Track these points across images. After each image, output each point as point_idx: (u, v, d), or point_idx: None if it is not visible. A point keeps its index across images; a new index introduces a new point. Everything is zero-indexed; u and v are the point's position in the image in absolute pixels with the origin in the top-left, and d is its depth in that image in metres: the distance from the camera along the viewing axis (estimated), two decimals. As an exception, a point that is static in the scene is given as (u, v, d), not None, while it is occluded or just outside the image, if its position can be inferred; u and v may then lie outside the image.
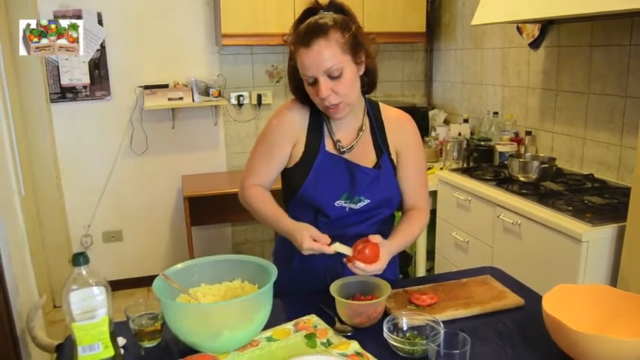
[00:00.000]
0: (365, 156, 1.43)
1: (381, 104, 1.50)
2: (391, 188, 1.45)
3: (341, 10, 1.33)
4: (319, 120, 1.44)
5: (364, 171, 1.41)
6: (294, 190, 1.43)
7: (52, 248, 3.22)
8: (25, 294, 2.40)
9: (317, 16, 1.30)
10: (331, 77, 1.28)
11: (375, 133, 1.45)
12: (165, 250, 3.68)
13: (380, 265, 1.27)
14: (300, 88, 1.38)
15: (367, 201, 1.41)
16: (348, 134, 1.44)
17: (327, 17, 1.28)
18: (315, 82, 1.30)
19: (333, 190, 1.40)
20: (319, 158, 1.40)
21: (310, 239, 1.26)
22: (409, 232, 1.44)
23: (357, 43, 1.29)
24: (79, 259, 1.04)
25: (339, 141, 1.43)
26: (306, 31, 1.27)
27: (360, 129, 1.44)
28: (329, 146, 1.43)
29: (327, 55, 1.25)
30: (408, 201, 1.49)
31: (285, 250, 1.52)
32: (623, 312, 1.15)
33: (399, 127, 1.47)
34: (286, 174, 1.47)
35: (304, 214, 1.43)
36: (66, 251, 3.37)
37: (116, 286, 3.58)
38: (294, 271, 1.49)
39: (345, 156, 1.42)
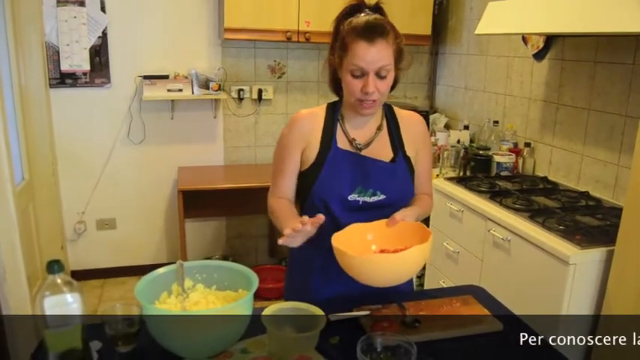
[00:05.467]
0: (381, 152, 1.48)
1: (393, 106, 1.56)
2: (406, 184, 1.49)
3: (381, 13, 1.41)
4: (332, 122, 1.48)
5: (378, 164, 1.45)
6: (308, 189, 1.46)
7: (45, 234, 3.22)
8: (13, 280, 2.41)
9: (373, 16, 1.38)
10: (379, 76, 1.35)
11: (392, 133, 1.50)
12: (158, 240, 3.69)
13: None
14: (338, 82, 1.45)
15: (383, 196, 1.44)
16: (365, 134, 1.48)
17: (383, 20, 1.37)
18: (360, 76, 1.35)
19: (346, 183, 1.43)
20: (331, 154, 1.44)
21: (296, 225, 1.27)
22: (424, 205, 1.53)
23: (401, 54, 1.39)
24: (54, 266, 1.04)
25: (354, 139, 1.46)
26: (368, 27, 1.34)
27: (379, 128, 1.49)
28: (341, 144, 1.46)
29: (385, 55, 1.34)
30: (417, 192, 1.56)
31: (304, 259, 1.52)
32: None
33: (413, 127, 1.54)
34: (300, 177, 1.50)
35: (319, 213, 1.43)
36: (59, 237, 3.38)
37: (109, 274, 3.60)
38: (314, 281, 1.51)
39: (362, 153, 1.46)
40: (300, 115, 1.50)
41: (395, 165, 1.47)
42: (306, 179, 1.47)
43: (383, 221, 1.38)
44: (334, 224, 1.43)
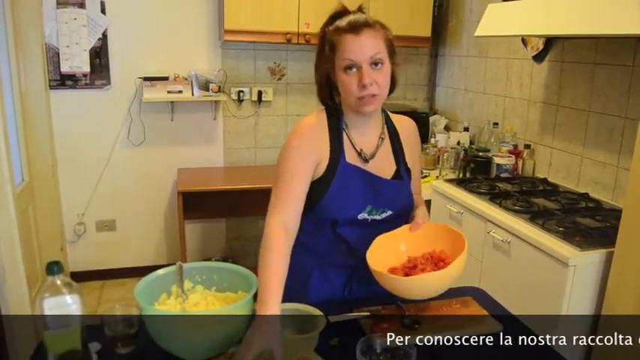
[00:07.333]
0: (386, 165, 1.45)
1: (388, 112, 1.54)
2: (410, 197, 1.48)
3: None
4: (339, 132, 1.42)
5: (387, 183, 1.43)
6: (313, 202, 1.40)
7: (45, 235, 3.22)
8: (12, 281, 2.41)
9: (357, 15, 1.35)
10: (373, 67, 1.31)
11: (393, 142, 1.48)
12: (158, 241, 3.68)
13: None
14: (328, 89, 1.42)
15: (390, 212, 1.43)
16: (370, 143, 1.44)
17: (368, 17, 1.35)
18: (354, 71, 1.31)
19: (356, 203, 1.40)
20: (340, 171, 1.39)
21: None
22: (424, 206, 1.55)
23: (393, 47, 1.36)
24: (53, 267, 1.04)
25: (362, 150, 1.42)
26: (352, 22, 1.32)
27: (381, 137, 1.46)
28: (349, 157, 1.41)
29: (374, 43, 1.31)
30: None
31: (303, 264, 1.46)
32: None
33: (409, 133, 1.52)
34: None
35: (322, 226, 1.42)
36: (59, 238, 3.38)
37: (108, 275, 3.60)
38: (312, 285, 1.49)
39: (368, 166, 1.42)
40: (307, 127, 1.41)
41: (402, 182, 1.45)
42: (312, 192, 1.39)
43: (405, 227, 1.41)
44: (335, 236, 1.42)
